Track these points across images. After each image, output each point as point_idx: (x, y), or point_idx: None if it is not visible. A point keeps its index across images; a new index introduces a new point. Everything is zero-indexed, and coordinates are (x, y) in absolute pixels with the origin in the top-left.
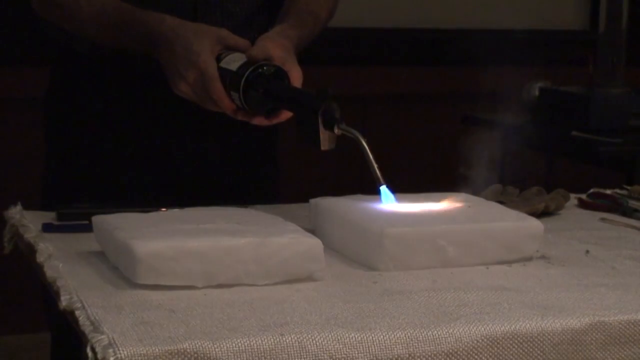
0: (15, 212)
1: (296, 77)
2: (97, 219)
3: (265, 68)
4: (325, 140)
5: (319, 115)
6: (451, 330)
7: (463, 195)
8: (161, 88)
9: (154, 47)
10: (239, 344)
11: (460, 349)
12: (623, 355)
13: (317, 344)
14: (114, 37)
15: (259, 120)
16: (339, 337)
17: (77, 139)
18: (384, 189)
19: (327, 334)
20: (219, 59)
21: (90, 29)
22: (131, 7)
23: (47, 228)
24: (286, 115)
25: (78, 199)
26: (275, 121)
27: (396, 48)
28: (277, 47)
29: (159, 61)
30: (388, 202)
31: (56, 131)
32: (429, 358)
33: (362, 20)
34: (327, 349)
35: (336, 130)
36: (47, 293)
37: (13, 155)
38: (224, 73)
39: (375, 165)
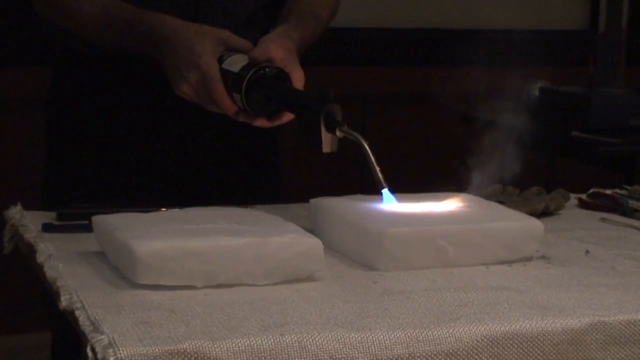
0: (15, 212)
1: (298, 79)
2: (97, 219)
3: (267, 70)
4: (327, 143)
5: (321, 118)
6: (451, 330)
7: (463, 195)
8: (162, 89)
9: (155, 48)
10: (239, 344)
11: (460, 349)
12: (623, 355)
13: (317, 344)
14: (115, 37)
15: (261, 122)
16: (339, 337)
17: (78, 139)
18: (385, 192)
19: (327, 334)
20: (220, 60)
21: (91, 29)
22: (132, 8)
23: (47, 228)
24: (288, 117)
25: (78, 199)
26: (276, 123)
27: (396, 48)
28: (279, 48)
29: (160, 62)
30: (389, 205)
31: (57, 131)
32: (429, 358)
33: (362, 20)
34: (327, 349)
35: (338, 133)
36: (47, 293)
37: (13, 155)
38: (225, 74)
39: (377, 168)
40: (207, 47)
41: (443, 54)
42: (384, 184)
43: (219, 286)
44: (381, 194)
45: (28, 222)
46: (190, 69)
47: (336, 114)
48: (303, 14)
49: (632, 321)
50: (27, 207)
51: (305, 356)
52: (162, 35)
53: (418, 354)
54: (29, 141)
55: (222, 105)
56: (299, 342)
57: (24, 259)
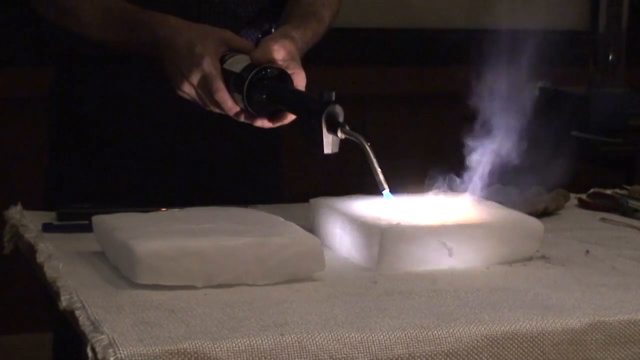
0: (15, 212)
1: (300, 80)
2: (97, 219)
3: (268, 70)
4: (328, 144)
5: (322, 119)
6: (451, 330)
7: (463, 195)
8: (164, 89)
9: (157, 47)
10: (239, 344)
11: (460, 349)
12: (623, 355)
13: (317, 344)
14: (116, 37)
15: (262, 123)
16: (339, 337)
17: (79, 139)
18: (386, 193)
19: (327, 334)
20: (222, 61)
21: (92, 29)
22: (134, 7)
23: (47, 228)
24: (289, 118)
25: (78, 199)
26: (278, 124)
27: (396, 48)
28: (281, 49)
29: (161, 62)
30: (390, 204)
31: (58, 131)
32: (429, 358)
33: (362, 20)
34: (327, 349)
35: (339, 134)
36: (47, 293)
37: (13, 155)
38: (227, 75)
39: (379, 170)
40: (209, 47)
41: (442, 54)
42: (385, 185)
43: (219, 286)
44: (382, 195)
45: (28, 222)
46: (192, 69)
47: (338, 115)
48: (305, 15)
49: (632, 321)
50: (27, 207)
51: (305, 356)
52: (164, 35)
53: (418, 354)
54: (29, 141)
55: (223, 106)
56: (299, 342)
57: (24, 259)
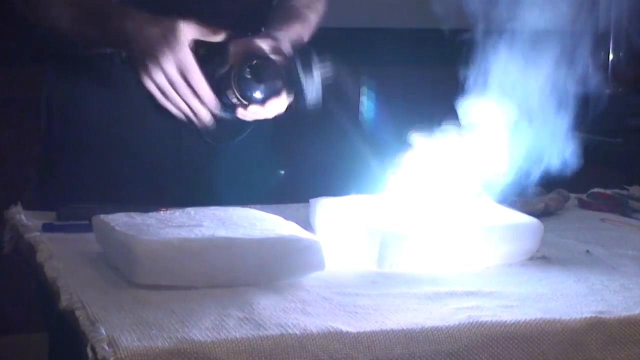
0: (15, 212)
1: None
2: (97, 219)
3: (254, 60)
4: (309, 89)
5: (297, 61)
6: (451, 330)
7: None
8: None
9: (126, 40)
10: (239, 344)
11: (460, 349)
12: (623, 355)
13: (317, 344)
14: (87, 31)
15: (255, 110)
16: (339, 337)
17: (78, 138)
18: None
19: (327, 334)
20: (202, 59)
21: (64, 22)
22: (104, 1)
23: (47, 228)
24: (280, 101)
25: (78, 198)
26: (270, 108)
27: (396, 48)
28: (262, 41)
29: (129, 54)
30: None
31: (57, 131)
32: (429, 358)
33: (362, 21)
34: (327, 349)
35: (315, 73)
36: (43, 293)
37: (13, 155)
38: (211, 74)
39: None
40: (180, 35)
41: (443, 54)
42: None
43: (219, 286)
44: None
45: (28, 222)
46: (165, 55)
47: (311, 54)
48: (289, 17)
49: (632, 321)
50: (27, 207)
51: (305, 356)
52: (134, 27)
53: (418, 354)
54: (29, 141)
55: (201, 91)
56: (299, 342)
57: (24, 259)
